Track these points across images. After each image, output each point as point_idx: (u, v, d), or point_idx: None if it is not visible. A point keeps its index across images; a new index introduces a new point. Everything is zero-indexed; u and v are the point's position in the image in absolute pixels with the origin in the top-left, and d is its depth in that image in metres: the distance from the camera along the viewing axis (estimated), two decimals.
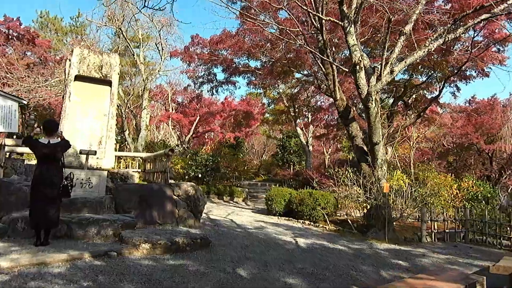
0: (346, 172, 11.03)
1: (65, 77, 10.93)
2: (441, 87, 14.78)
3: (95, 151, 9.21)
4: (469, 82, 17.98)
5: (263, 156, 38.95)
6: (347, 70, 10.70)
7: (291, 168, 29.57)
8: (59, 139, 5.90)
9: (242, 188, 19.53)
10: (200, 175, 18.36)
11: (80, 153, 9.11)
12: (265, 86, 18.68)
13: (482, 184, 16.58)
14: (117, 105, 18.92)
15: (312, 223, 11.18)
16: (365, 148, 11.24)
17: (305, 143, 24.97)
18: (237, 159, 21.47)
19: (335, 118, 26.72)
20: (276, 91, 22.38)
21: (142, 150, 20.04)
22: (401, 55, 11.40)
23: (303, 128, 25.79)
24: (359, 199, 9.96)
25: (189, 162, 18.65)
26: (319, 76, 14.82)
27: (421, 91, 17.31)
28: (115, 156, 11.93)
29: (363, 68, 10.02)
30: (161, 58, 19.80)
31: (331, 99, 25.11)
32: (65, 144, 6.03)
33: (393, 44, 10.70)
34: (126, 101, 18.90)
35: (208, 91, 17.77)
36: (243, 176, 21.60)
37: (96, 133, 11.01)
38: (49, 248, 5.57)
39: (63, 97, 11.10)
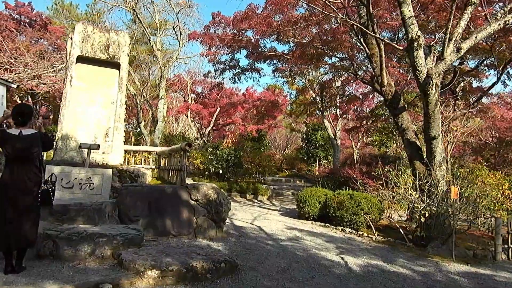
0: (399, 172, 9.24)
1: (66, 59, 9.52)
2: (499, 74, 12.75)
3: (98, 145, 7.72)
4: None
5: (286, 150, 37.19)
6: (401, 48, 8.87)
7: (317, 163, 27.76)
8: (34, 130, 4.37)
9: (266, 185, 17.91)
10: (221, 171, 16.83)
11: (80, 147, 7.66)
12: (293, 73, 16.90)
13: None
14: (133, 95, 17.54)
15: (354, 231, 9.47)
16: (418, 143, 9.43)
17: (333, 137, 23.14)
18: (261, 154, 19.82)
19: (367, 110, 24.81)
20: (302, 81, 20.57)
21: (159, 144, 18.65)
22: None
23: (331, 121, 23.98)
24: (415, 205, 8.18)
25: (209, 157, 17.13)
26: (356, 60, 12.99)
27: (470, 78, 15.26)
28: (125, 151, 10.47)
29: (422, 46, 8.19)
30: (179, 43, 18.30)
31: (366, 88, 23.16)
32: (45, 138, 4.51)
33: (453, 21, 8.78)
34: (141, 90, 17.48)
35: (230, 79, 16.19)
36: (267, 172, 19.95)
37: (102, 123, 9.55)
38: (21, 279, 4.09)
39: (63, 82, 9.67)
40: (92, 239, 4.95)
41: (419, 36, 8.06)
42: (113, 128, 9.53)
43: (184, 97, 25.79)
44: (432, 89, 8.10)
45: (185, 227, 6.79)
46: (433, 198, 8.12)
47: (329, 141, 25.24)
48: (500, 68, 12.72)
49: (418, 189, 8.43)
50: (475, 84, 17.18)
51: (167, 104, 18.45)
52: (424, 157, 8.86)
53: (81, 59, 9.21)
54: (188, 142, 7.90)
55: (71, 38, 9.13)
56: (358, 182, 9.38)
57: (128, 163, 10.75)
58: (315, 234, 8.50)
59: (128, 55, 10.13)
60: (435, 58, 8.65)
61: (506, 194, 12.37)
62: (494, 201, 9.71)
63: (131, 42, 11.10)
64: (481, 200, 8.65)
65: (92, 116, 9.34)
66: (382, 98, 25.16)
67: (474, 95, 16.21)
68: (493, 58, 14.82)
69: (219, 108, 23.46)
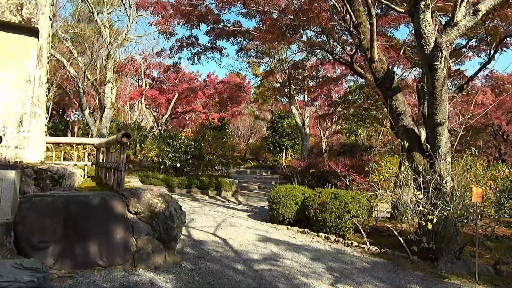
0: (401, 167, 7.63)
1: None
2: (492, 52, 11.39)
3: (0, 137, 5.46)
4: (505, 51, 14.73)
5: (250, 139, 35.37)
6: (402, 11, 7.11)
7: (284, 153, 26.15)
8: None
9: (230, 178, 15.98)
10: (179, 165, 14.72)
11: None
12: (260, 53, 14.91)
13: None
14: (73, 77, 14.98)
15: (339, 238, 7.77)
16: (416, 130, 7.81)
17: (301, 125, 21.52)
18: (224, 144, 17.84)
19: (336, 96, 23.35)
20: (269, 63, 18.62)
21: (108, 134, 16.21)
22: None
23: (299, 108, 22.34)
24: (419, 208, 6.56)
25: (165, 149, 14.97)
26: (335, 35, 11.22)
27: (453, 59, 13.93)
28: (47, 144, 8.18)
29: (429, 8, 6.48)
30: (129, 18, 15.80)
31: (335, 73, 21.56)
32: None
33: None
34: (85, 72, 14.92)
35: (188, 59, 14.07)
36: (231, 164, 18.02)
37: (14, 109, 7.20)
38: None
39: None
40: None
41: None
42: (29, 115, 7.22)
43: (138, 82, 23.22)
44: (440, 63, 6.44)
45: (119, 253, 4.75)
46: (441, 199, 6.53)
47: (297, 130, 23.67)
48: (493, 46, 11.38)
49: (421, 187, 6.82)
50: (461, 66, 16.02)
51: (116, 88, 15.99)
52: (428, 147, 7.22)
53: None
54: (125, 132, 5.81)
55: None
56: (347, 179, 7.59)
57: (54, 160, 8.45)
58: (296, 248, 6.68)
59: (51, 19, 7.79)
60: (437, 29, 7.01)
61: (489, 184, 11.10)
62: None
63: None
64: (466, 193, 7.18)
65: None
66: (352, 84, 23.92)
67: (455, 79, 14.99)
68: (477, 37, 13.62)
69: (177, 94, 21.15)
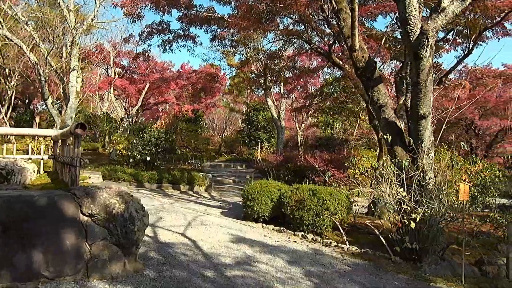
0: (382, 162, 7.23)
1: None
2: (471, 45, 11.20)
3: None
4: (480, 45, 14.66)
5: (225, 132, 34.73)
6: None
7: (259, 146, 25.67)
8: None
9: (204, 173, 15.37)
10: (148, 158, 13.98)
11: None
12: (235, 42, 14.25)
13: (491, 166, 13.48)
14: (34, 64, 13.95)
15: (317, 237, 7.36)
16: (398, 123, 7.44)
17: (276, 117, 21.09)
18: (197, 136, 17.16)
19: (312, 89, 23.00)
20: (244, 53, 18.00)
21: (71, 125, 15.25)
22: None
23: (275, 100, 21.90)
24: (402, 206, 6.19)
25: (134, 141, 14.20)
26: (314, 25, 10.75)
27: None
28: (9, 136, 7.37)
29: None
30: (95, 2, 14.82)
31: (311, 65, 21.13)
32: None
33: None
34: (46, 57, 13.89)
35: (159, 46, 13.21)
36: (205, 157, 17.38)
37: None
38: None
39: None
40: None
41: None
42: None
43: (107, 71, 22.13)
44: (426, 51, 6.06)
45: (70, 261, 4.13)
46: (425, 196, 6.18)
47: (272, 123, 23.23)
48: (472, 38, 11.19)
49: (404, 183, 6.46)
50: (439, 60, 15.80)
51: (81, 77, 15.01)
52: (411, 141, 6.87)
53: None
54: (79, 123, 5.18)
55: None
56: (326, 175, 7.14)
57: (5, 154, 7.65)
58: (271, 250, 6.19)
59: None
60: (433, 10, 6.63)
61: (464, 179, 10.97)
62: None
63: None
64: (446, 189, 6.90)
65: None
66: (328, 77, 23.61)
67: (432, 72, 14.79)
68: (455, 30, 13.45)
69: (148, 85, 20.23)
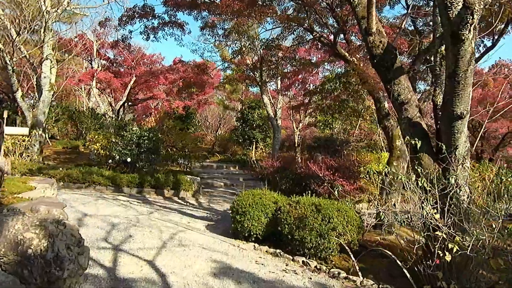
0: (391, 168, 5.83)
1: None
2: (497, 36, 9.80)
3: None
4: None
5: (219, 130, 33.21)
6: None
7: (253, 146, 24.23)
8: None
9: (192, 176, 13.89)
10: (129, 159, 12.49)
11: None
12: (228, 31, 12.72)
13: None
14: None
15: (322, 264, 5.94)
16: (424, 125, 6.02)
17: (272, 116, 19.62)
18: (186, 135, 15.67)
19: (311, 87, 21.55)
20: (237, 45, 16.51)
21: (46, 121, 13.74)
22: None
23: (271, 98, 20.46)
24: (433, 233, 4.79)
25: (114, 140, 12.70)
26: (318, 8, 9.31)
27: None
28: None
29: None
30: None
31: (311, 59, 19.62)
32: None
33: None
34: (12, 43, 12.34)
35: (141, 33, 11.72)
36: (193, 158, 15.89)
37: None
38: None
39: None
40: None
41: None
42: None
43: (91, 63, 20.57)
44: (469, 32, 4.64)
45: None
46: (464, 219, 4.77)
47: (268, 121, 21.78)
48: (497, 30, 9.79)
49: (436, 200, 5.05)
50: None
51: (56, 67, 13.47)
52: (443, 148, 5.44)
53: None
54: None
55: None
56: (336, 189, 5.68)
57: None
58: (266, 286, 4.76)
59: None
60: None
61: (476, 186, 9.62)
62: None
63: None
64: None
65: None
66: (328, 74, 22.18)
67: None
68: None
69: (134, 78, 18.70)
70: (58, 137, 22.62)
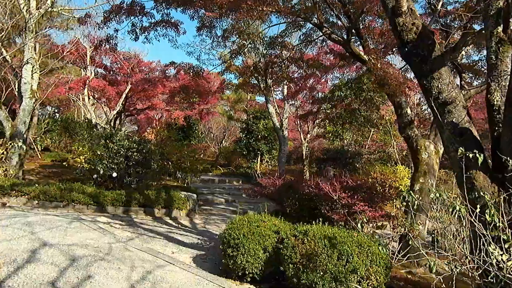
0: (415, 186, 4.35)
1: None
2: None
3: None
4: None
5: (223, 142, 31.81)
6: None
7: (258, 158, 22.79)
8: None
9: (189, 192, 12.42)
10: (115, 174, 11.09)
11: None
12: (227, 32, 11.36)
13: None
14: None
15: None
16: (475, 132, 4.53)
17: (278, 126, 18.20)
18: (181, 147, 14.24)
19: (319, 96, 20.11)
20: (238, 44, 15.07)
21: (25, 131, 12.42)
22: None
23: (277, 107, 19.06)
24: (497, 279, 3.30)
25: (99, 152, 11.33)
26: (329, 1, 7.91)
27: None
28: None
29: None
30: None
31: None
32: None
33: None
34: None
35: (129, 33, 10.43)
36: (189, 172, 14.46)
37: None
38: None
39: None
40: None
41: None
42: None
43: (85, 71, 19.35)
44: None
45: None
46: None
47: (274, 132, 20.36)
48: None
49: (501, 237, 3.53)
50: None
51: (37, 71, 12.22)
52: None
53: None
54: None
55: None
56: (359, 222, 4.15)
57: None
58: None
59: None
60: None
61: None
62: None
63: None
64: None
65: None
66: (337, 82, 20.73)
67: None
68: None
69: (129, 86, 17.44)
70: (51, 149, 21.41)
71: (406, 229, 5.92)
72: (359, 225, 3.73)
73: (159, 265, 5.94)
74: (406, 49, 4.79)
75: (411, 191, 5.31)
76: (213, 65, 20.45)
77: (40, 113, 26.01)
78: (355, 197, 5.87)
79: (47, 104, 29.01)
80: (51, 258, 5.64)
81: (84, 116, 25.74)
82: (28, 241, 6.35)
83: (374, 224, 6.28)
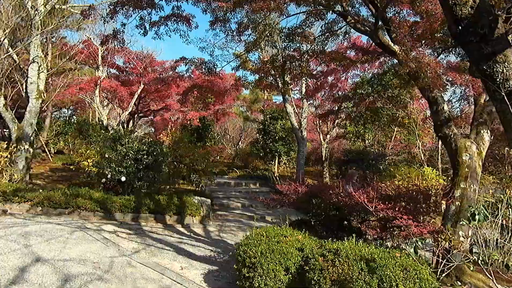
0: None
1: None
2: None
3: None
4: None
5: (240, 143, 31.04)
6: None
7: (276, 160, 21.90)
8: None
9: (201, 197, 11.65)
10: (124, 178, 10.41)
11: None
12: (242, 26, 10.55)
13: None
14: None
15: None
16: None
17: (297, 127, 17.29)
18: (194, 149, 13.50)
19: (338, 94, 19.09)
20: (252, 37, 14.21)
21: (32, 133, 11.89)
22: None
23: (295, 106, 18.18)
24: None
25: (106, 155, 10.68)
26: None
27: None
28: None
29: None
30: None
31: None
32: None
33: None
34: None
35: (137, 27, 9.77)
36: (204, 176, 13.70)
37: None
38: None
39: None
40: None
41: None
42: None
43: (97, 71, 18.85)
44: None
45: None
46: None
47: (292, 133, 19.44)
48: None
49: None
50: None
51: (44, 71, 11.66)
52: None
53: None
54: None
55: None
56: (411, 247, 3.22)
57: None
58: None
59: None
60: None
61: None
62: None
63: None
64: None
65: None
66: (358, 80, 19.70)
67: None
68: None
69: (142, 86, 16.82)
70: (64, 152, 21.03)
71: (451, 243, 5.01)
72: (412, 249, 2.85)
73: (164, 287, 5.16)
74: (460, 28, 3.88)
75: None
76: (227, 61, 19.59)
77: (55, 116, 25.79)
78: (397, 209, 4.93)
79: (62, 107, 28.87)
80: (40, 278, 4.92)
81: (98, 118, 25.39)
82: (19, 256, 5.67)
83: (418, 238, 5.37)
